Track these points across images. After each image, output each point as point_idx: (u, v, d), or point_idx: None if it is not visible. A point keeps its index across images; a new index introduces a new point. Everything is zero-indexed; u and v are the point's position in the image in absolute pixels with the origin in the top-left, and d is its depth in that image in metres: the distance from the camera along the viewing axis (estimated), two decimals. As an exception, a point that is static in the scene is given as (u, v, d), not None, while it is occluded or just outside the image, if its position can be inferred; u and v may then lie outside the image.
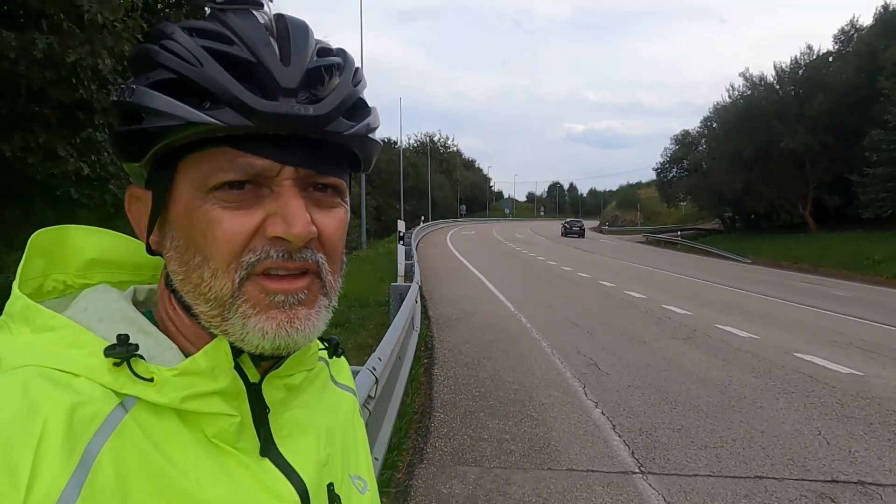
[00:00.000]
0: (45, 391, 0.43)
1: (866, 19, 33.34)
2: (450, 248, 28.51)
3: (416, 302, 8.39)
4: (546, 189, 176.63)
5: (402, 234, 13.32)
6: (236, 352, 0.51)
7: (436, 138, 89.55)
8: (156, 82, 0.47)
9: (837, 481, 3.88)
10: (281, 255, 0.48)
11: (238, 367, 0.52)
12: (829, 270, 20.01)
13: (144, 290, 0.59)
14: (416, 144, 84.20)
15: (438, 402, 5.51)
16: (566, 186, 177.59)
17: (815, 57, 32.61)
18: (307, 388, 0.60)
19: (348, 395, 0.68)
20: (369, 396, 3.31)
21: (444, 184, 77.04)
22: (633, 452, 4.32)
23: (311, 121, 0.47)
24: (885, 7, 31.10)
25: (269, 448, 0.53)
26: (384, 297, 10.24)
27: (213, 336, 0.51)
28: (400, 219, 15.08)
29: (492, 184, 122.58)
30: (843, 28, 33.92)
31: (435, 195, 64.71)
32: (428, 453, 4.33)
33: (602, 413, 5.16)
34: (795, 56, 33.35)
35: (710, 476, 3.95)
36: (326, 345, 0.65)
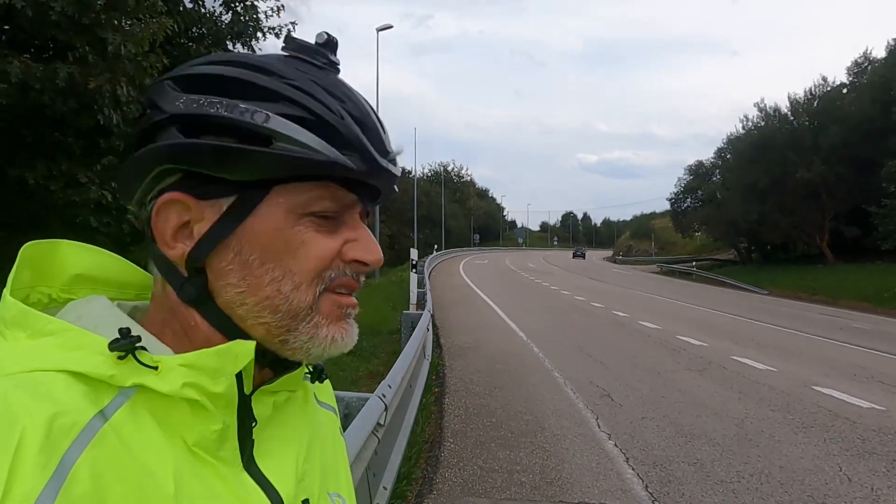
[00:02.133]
0: (23, 402, 0.44)
1: (879, 51, 33.37)
2: (463, 276, 28.48)
3: (428, 330, 8.36)
4: (559, 219, 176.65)
5: (414, 263, 13.35)
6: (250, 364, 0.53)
7: (449, 168, 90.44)
8: (291, 115, 0.52)
9: (860, 520, 3.75)
10: (354, 275, 0.56)
11: (238, 377, 0.52)
12: (848, 302, 19.66)
13: (128, 306, 0.59)
14: (429, 174, 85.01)
15: (449, 431, 5.44)
16: (580, 216, 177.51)
17: (829, 88, 32.65)
18: (289, 405, 0.61)
19: (330, 414, 0.69)
20: (379, 424, 3.28)
21: (457, 213, 77.37)
22: (646, 486, 4.22)
23: (396, 178, 0.59)
24: (900, 39, 31.12)
25: (249, 461, 0.54)
26: (396, 326, 10.23)
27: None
28: (413, 247, 15.12)
29: (505, 213, 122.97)
30: (856, 60, 34.03)
31: (448, 224, 64.95)
32: (437, 483, 4.27)
33: (615, 445, 5.06)
34: (809, 87, 33.41)
35: (727, 512, 3.84)
36: (311, 368, 0.65)
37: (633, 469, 4.54)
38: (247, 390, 0.54)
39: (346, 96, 0.56)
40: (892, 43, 31.87)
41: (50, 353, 0.48)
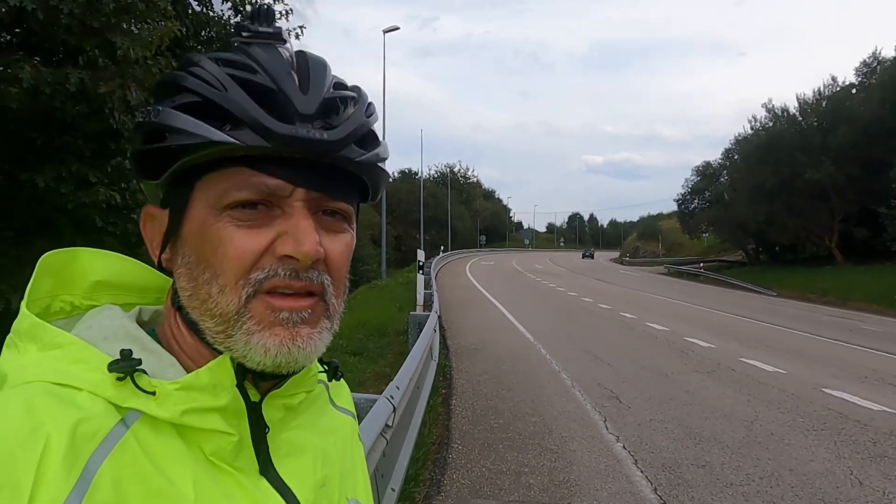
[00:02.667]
0: (48, 407, 0.44)
1: (889, 51, 33.11)
2: (469, 278, 28.47)
3: (435, 331, 8.36)
4: (566, 220, 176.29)
5: (421, 264, 13.36)
6: (241, 372, 0.52)
7: (456, 169, 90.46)
8: (181, 105, 0.50)
9: (872, 524, 3.72)
10: (288, 273, 0.50)
11: (240, 387, 0.52)
12: (858, 304, 19.50)
13: (150, 310, 0.60)
14: (436, 175, 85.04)
15: (456, 433, 5.44)
16: (586, 217, 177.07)
17: (837, 88, 32.43)
18: (306, 410, 0.60)
19: (347, 419, 0.69)
20: (387, 425, 3.28)
21: (463, 214, 77.39)
22: (655, 489, 4.20)
23: (324, 145, 0.50)
24: (908, 39, 30.79)
25: (266, 468, 0.54)
26: (403, 327, 10.23)
27: (215, 355, 0.52)
28: (420, 248, 15.13)
29: (511, 214, 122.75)
30: (865, 60, 33.82)
31: (454, 225, 64.96)
32: (445, 485, 4.26)
33: (623, 447, 5.04)
34: (818, 87, 33.18)
35: (737, 515, 3.81)
36: (326, 367, 0.65)
37: (641, 471, 4.51)
38: (253, 398, 0.54)
39: (259, 63, 0.51)
40: (902, 42, 31.40)
41: (53, 367, 0.48)
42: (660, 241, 69.76)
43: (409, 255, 41.46)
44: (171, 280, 0.55)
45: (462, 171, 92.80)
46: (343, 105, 0.52)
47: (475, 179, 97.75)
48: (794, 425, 5.74)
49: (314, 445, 0.59)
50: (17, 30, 6.28)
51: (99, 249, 0.59)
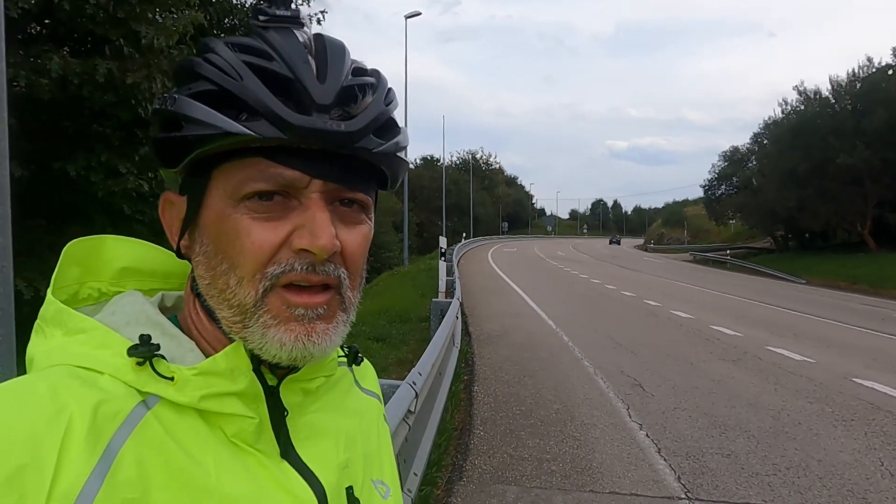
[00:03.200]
0: (71, 389, 0.46)
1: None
2: (491, 265, 28.43)
3: (457, 318, 8.38)
4: (589, 206, 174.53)
5: (443, 251, 13.36)
6: (256, 356, 0.52)
7: (478, 155, 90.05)
8: (197, 93, 0.49)
9: (902, 516, 3.64)
10: (305, 267, 0.50)
11: (256, 371, 0.53)
12: (892, 292, 18.99)
13: (173, 296, 0.61)
14: (458, 162, 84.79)
15: (478, 419, 5.46)
16: (610, 203, 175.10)
17: (873, 70, 31.31)
18: (327, 393, 0.61)
19: (373, 401, 0.69)
20: (409, 411, 3.31)
21: (485, 201, 77.12)
22: (679, 477, 4.18)
23: (342, 136, 0.49)
24: (950, 17, 29.64)
25: (287, 450, 0.54)
26: (425, 314, 10.27)
27: (233, 341, 0.52)
28: (442, 235, 15.13)
29: (534, 201, 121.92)
30: (903, 40, 32.41)
31: (477, 212, 64.80)
32: (467, 471, 4.29)
33: (647, 435, 5.01)
34: (853, 69, 32.11)
35: (762, 505, 3.77)
36: (346, 352, 0.66)
37: (664, 460, 4.49)
38: (271, 382, 0.54)
39: (276, 50, 0.50)
40: (942, 21, 30.24)
41: (76, 351, 0.49)
42: (685, 228, 68.71)
43: (431, 241, 41.54)
44: (190, 268, 0.56)
45: (484, 157, 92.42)
46: (361, 93, 0.51)
47: (497, 166, 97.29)
48: (823, 415, 5.64)
49: (336, 428, 0.60)
50: (46, 21, 6.40)
51: (123, 237, 0.60)
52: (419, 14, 27.71)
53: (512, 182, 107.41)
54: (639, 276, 24.89)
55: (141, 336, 0.50)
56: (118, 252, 0.59)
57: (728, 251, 40.18)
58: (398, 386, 3.29)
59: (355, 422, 0.63)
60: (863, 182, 28.64)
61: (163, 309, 0.58)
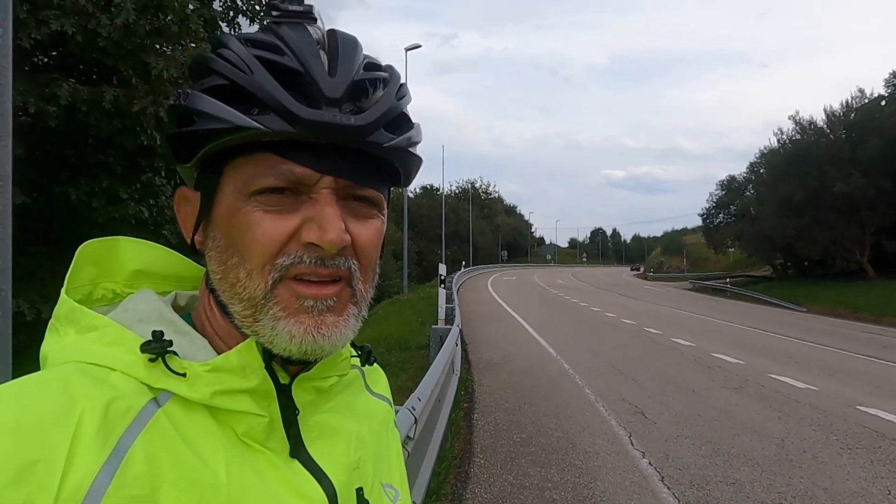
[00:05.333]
0: (82, 386, 0.46)
1: (919, 62, 32.39)
2: (491, 293, 28.36)
3: (457, 345, 8.33)
4: (588, 235, 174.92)
5: (443, 278, 13.35)
6: (268, 354, 0.52)
7: (477, 184, 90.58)
8: (209, 88, 0.50)
9: (911, 545, 3.57)
10: (314, 261, 0.50)
11: (269, 369, 0.53)
12: (893, 320, 18.90)
13: (186, 295, 0.61)
14: (457, 191, 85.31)
15: (478, 447, 5.39)
16: (609, 232, 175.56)
17: (866, 100, 31.84)
18: (339, 394, 0.61)
19: (383, 405, 0.69)
20: (408, 437, 3.27)
21: (485, 229, 77.33)
22: (683, 506, 4.10)
23: (352, 131, 0.49)
24: (940, 49, 30.31)
25: (298, 449, 0.54)
26: (425, 341, 10.22)
27: (246, 337, 0.52)
28: (441, 263, 15.14)
29: (533, 230, 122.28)
30: (894, 71, 33.15)
31: (476, 240, 64.94)
32: (467, 500, 4.22)
33: (649, 463, 4.94)
34: (846, 99, 32.62)
35: (769, 534, 3.70)
36: (359, 352, 0.66)
37: (668, 488, 4.41)
38: (283, 380, 0.54)
39: (287, 44, 0.50)
40: (932, 53, 30.90)
41: (89, 348, 0.50)
42: (684, 256, 68.76)
43: (430, 270, 41.50)
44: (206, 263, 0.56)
45: (483, 186, 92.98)
46: (373, 87, 0.51)
47: (496, 195, 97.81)
48: (828, 443, 5.57)
49: (347, 428, 0.59)
50: (54, 52, 6.52)
51: (137, 239, 0.61)
52: (419, 47, 28.25)
53: (511, 211, 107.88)
54: (639, 304, 24.81)
55: (153, 332, 0.50)
56: (132, 254, 0.60)
57: (727, 279, 40.13)
58: (397, 411, 3.26)
59: (366, 424, 0.62)
60: (859, 210, 28.83)
61: (176, 308, 0.59)
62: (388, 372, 5.84)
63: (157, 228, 7.39)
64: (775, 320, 18.91)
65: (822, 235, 30.25)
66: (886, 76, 34.93)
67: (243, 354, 0.51)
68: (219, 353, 0.52)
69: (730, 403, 7.05)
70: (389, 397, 0.71)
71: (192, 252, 0.57)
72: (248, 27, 9.43)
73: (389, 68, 0.55)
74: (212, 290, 0.54)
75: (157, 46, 6.58)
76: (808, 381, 8.35)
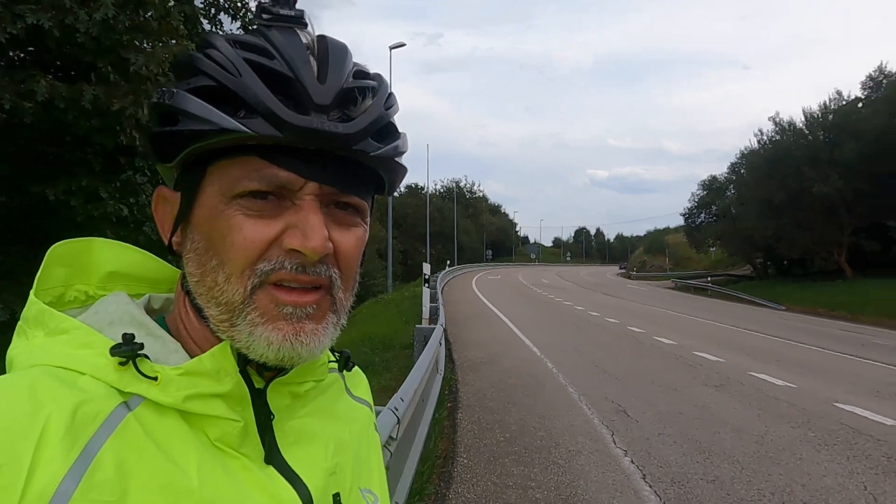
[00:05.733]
0: (50, 389, 0.45)
1: (894, 66, 33.17)
2: (475, 292, 28.41)
3: (441, 345, 8.33)
4: (572, 234, 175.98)
5: (427, 277, 13.34)
6: (244, 358, 0.52)
7: (462, 184, 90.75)
8: (196, 88, 0.49)
9: (886, 540, 3.64)
10: (295, 267, 0.49)
11: (244, 373, 0.52)
12: (870, 318, 19.26)
13: (161, 298, 0.60)
14: (442, 190, 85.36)
15: (462, 446, 5.39)
16: (592, 231, 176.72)
17: (844, 102, 32.41)
18: (316, 398, 0.60)
19: (364, 409, 0.68)
20: (391, 437, 3.26)
21: (470, 228, 77.44)
22: (664, 504, 4.14)
23: (339, 138, 0.49)
24: (915, 53, 30.98)
25: (273, 454, 0.53)
26: (409, 341, 10.20)
27: (219, 340, 0.51)
28: (426, 262, 15.14)
29: (518, 229, 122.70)
30: (870, 74, 33.80)
31: (461, 240, 65.01)
32: (450, 499, 4.22)
33: (632, 462, 4.98)
34: (824, 101, 33.15)
35: (748, 531, 3.74)
36: (338, 357, 0.65)
37: (650, 486, 4.45)
38: (258, 385, 0.54)
39: (277, 48, 0.49)
40: (908, 56, 31.55)
41: (58, 351, 0.49)
42: (667, 256, 69.48)
43: (415, 269, 41.46)
44: (182, 265, 0.55)
45: (468, 185, 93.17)
46: (361, 96, 0.51)
47: (481, 194, 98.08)
48: (806, 440, 5.66)
49: (325, 433, 0.59)
50: (31, 48, 6.40)
51: (112, 240, 0.59)
52: (404, 45, 28.18)
53: (496, 210, 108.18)
54: (622, 302, 25.02)
55: (124, 335, 0.49)
56: (106, 256, 0.58)
57: (709, 278, 40.62)
58: (379, 411, 3.25)
59: (345, 428, 0.62)
60: (837, 211, 29.34)
61: (150, 311, 0.57)
62: (372, 371, 5.85)
63: (138, 226, 7.29)
64: (755, 319, 19.18)
65: (801, 236, 30.75)
66: (863, 79, 35.61)
67: (217, 358, 0.50)
68: (193, 357, 0.51)
69: (711, 401, 7.13)
70: (370, 401, 0.70)
71: (169, 252, 0.56)
72: (229, 24, 9.35)
73: (378, 77, 0.54)
74: (188, 293, 0.54)
75: (137, 43, 6.49)
76: (787, 379, 8.48)
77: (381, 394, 6.88)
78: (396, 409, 3.43)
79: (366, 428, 0.67)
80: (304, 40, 0.51)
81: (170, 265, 0.62)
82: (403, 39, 27.54)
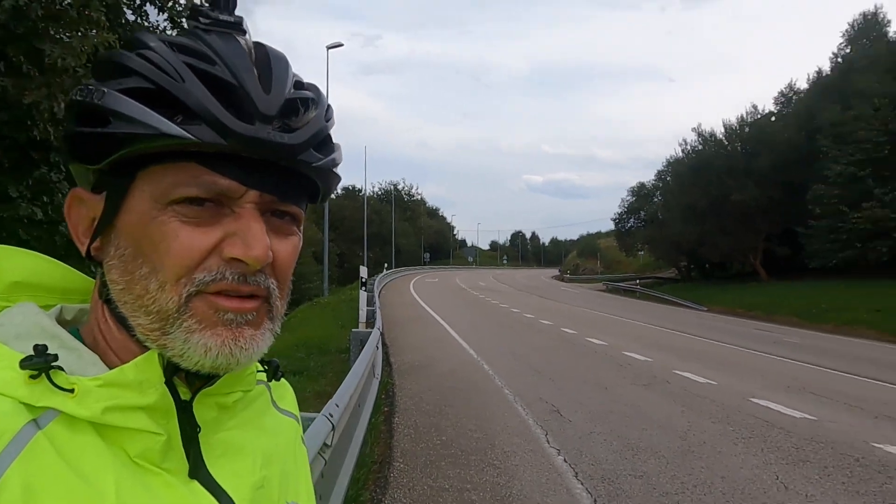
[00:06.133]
0: None
1: (802, 83, 35.86)
2: (413, 295, 28.38)
3: (378, 349, 8.27)
4: (509, 238, 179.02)
5: (364, 281, 13.22)
6: (171, 368, 0.50)
7: (400, 186, 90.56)
8: (129, 89, 0.47)
9: (795, 526, 3.90)
10: (236, 277, 0.48)
11: (169, 383, 0.50)
12: (782, 318, 20.65)
13: (73, 309, 0.57)
14: (380, 192, 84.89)
15: (398, 451, 5.36)
16: (528, 235, 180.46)
17: (758, 116, 34.72)
18: (243, 410, 0.58)
19: (291, 421, 0.67)
20: (325, 444, 3.20)
21: (407, 231, 77.36)
22: (595, 500, 4.27)
23: (285, 149, 0.49)
24: (819, 73, 33.67)
25: (198, 469, 0.51)
26: (345, 345, 10.06)
27: (144, 351, 0.49)
28: (363, 265, 14.99)
29: (455, 232, 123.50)
30: (782, 91, 36.37)
31: (399, 243, 64.82)
32: (387, 505, 4.19)
33: (564, 460, 5.10)
34: (742, 114, 35.41)
35: (672, 523, 3.92)
36: (266, 367, 0.63)
37: (581, 484, 4.58)
38: (184, 396, 0.52)
39: (218, 54, 0.48)
40: (813, 76, 34.33)
41: None
42: (598, 259, 71.92)
43: (352, 272, 41.00)
44: (99, 272, 0.53)
45: (406, 188, 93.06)
46: (304, 107, 0.51)
47: (419, 197, 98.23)
48: (725, 434, 5.98)
49: (252, 446, 0.57)
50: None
51: (19, 248, 0.56)
52: (341, 45, 27.88)
53: (434, 213, 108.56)
54: (556, 305, 25.67)
55: (35, 347, 0.46)
56: (10, 264, 0.54)
57: (637, 281, 42.35)
58: (314, 418, 3.18)
59: (272, 441, 0.60)
60: (754, 218, 31.34)
61: (62, 322, 0.54)
62: (307, 377, 5.74)
63: (52, 227, 6.84)
64: (679, 319, 20.15)
65: (722, 241, 32.65)
66: (775, 94, 38.23)
67: (141, 368, 0.48)
68: (112, 369, 0.49)
69: (639, 399, 7.42)
70: (297, 413, 0.69)
71: (86, 258, 0.53)
72: (156, 16, 8.94)
73: (315, 88, 0.55)
74: (107, 302, 0.51)
75: (53, 32, 6.08)
76: (709, 377, 8.95)
77: (316, 400, 6.75)
78: (331, 416, 3.36)
79: (293, 441, 0.65)
80: (244, 48, 0.50)
81: (82, 274, 0.59)
82: (341, 39, 27.28)
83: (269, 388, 0.65)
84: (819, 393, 8.07)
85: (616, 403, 7.20)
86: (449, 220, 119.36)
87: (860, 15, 33.12)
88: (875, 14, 32.78)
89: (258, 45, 0.52)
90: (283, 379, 0.67)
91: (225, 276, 0.48)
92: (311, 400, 6.88)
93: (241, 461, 0.55)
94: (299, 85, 0.53)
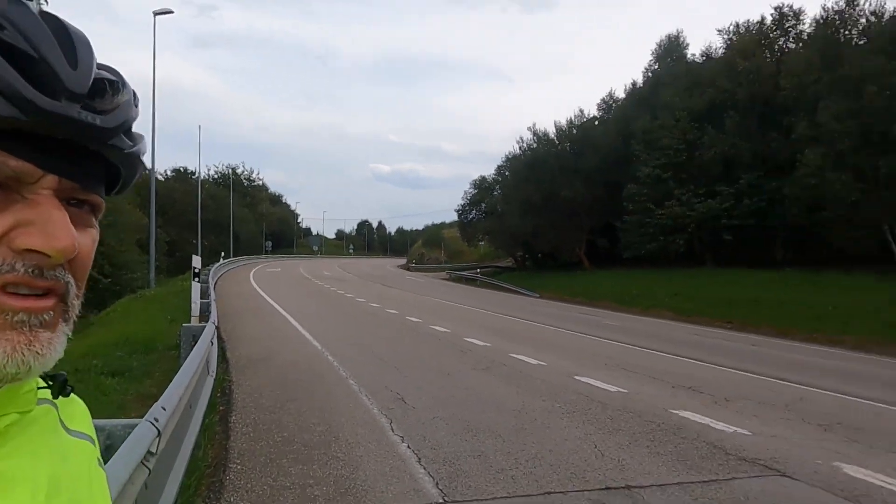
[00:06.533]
0: None
1: (620, 93, 40.27)
2: (253, 285, 26.99)
3: (213, 344, 7.72)
4: (355, 227, 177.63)
5: (197, 271, 12.25)
6: None
7: (239, 170, 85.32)
8: None
9: (610, 488, 4.37)
10: (31, 270, 0.43)
11: None
12: (602, 303, 23.05)
13: None
14: (216, 176, 79.25)
15: (235, 452, 5.06)
16: (375, 225, 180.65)
17: (584, 119, 38.32)
18: (20, 434, 0.49)
19: (83, 443, 0.58)
20: (150, 452, 2.90)
21: (248, 218, 73.14)
22: (437, 483, 4.40)
23: (96, 130, 0.45)
24: (634, 84, 38.06)
25: None
26: (175, 341, 9.26)
27: None
28: (196, 254, 13.87)
29: (300, 220, 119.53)
30: (604, 98, 40.40)
31: (238, 230, 61.08)
32: (221, 510, 3.93)
33: (408, 447, 5.19)
34: (570, 117, 38.72)
35: (507, 497, 4.18)
36: (51, 383, 0.54)
37: (424, 468, 4.69)
38: None
39: (16, 25, 0.42)
40: (629, 87, 38.66)
41: None
42: (443, 249, 74.24)
43: (184, 261, 37.79)
44: None
45: (246, 172, 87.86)
46: (112, 90, 0.46)
47: (261, 182, 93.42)
48: (553, 410, 6.52)
49: (31, 475, 0.49)
50: None
51: None
52: (170, 12, 25.39)
53: (276, 200, 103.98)
54: (401, 293, 26.03)
55: None
56: None
57: (478, 270, 44.46)
58: (135, 425, 2.87)
59: (60, 467, 0.52)
60: (579, 213, 34.56)
61: None
62: (128, 378, 5.18)
63: None
64: (515, 305, 21.58)
65: (552, 233, 35.58)
66: (598, 101, 42.32)
67: None
68: None
69: (479, 383, 7.80)
70: (92, 434, 0.60)
71: None
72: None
73: (117, 72, 0.49)
74: None
75: None
76: (540, 358, 9.69)
77: (140, 403, 6.13)
78: (157, 421, 3.06)
79: (87, 465, 0.57)
80: (37, 15, 0.44)
81: None
82: (171, 6, 24.74)
83: (55, 406, 0.55)
84: (630, 369, 9.13)
85: (458, 388, 7.49)
86: (293, 207, 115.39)
87: (665, 37, 38.01)
88: (678, 36, 37.80)
89: (51, 16, 0.45)
90: (73, 395, 0.58)
91: (15, 267, 0.42)
92: (134, 403, 6.23)
93: (18, 492, 0.47)
94: (103, 66, 0.48)
